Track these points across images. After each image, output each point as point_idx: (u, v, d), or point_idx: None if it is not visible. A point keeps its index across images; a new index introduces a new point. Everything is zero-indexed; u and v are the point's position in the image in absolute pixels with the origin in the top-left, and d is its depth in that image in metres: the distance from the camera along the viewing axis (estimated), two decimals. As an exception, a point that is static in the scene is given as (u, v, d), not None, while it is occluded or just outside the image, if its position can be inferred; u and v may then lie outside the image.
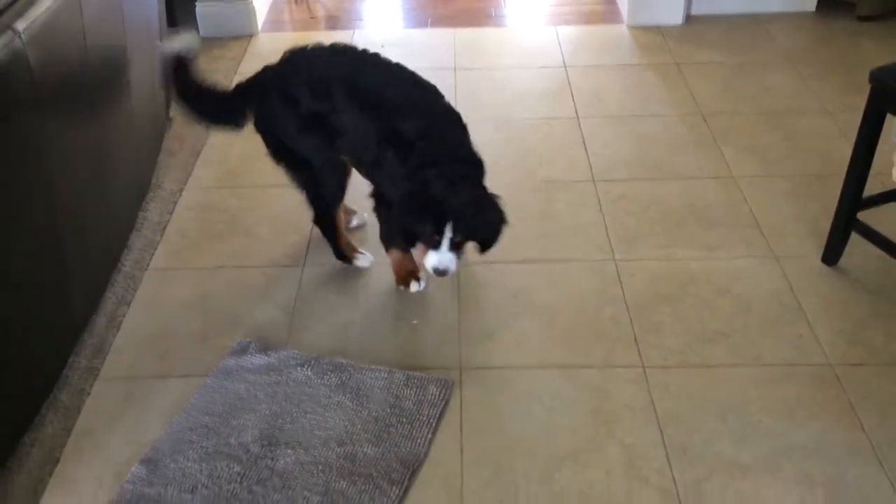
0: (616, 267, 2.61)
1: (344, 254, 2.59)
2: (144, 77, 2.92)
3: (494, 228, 2.24)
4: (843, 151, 2.50)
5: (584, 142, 3.24)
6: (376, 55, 2.39)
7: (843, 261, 2.57)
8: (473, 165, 2.28)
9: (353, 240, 2.69)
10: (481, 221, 2.21)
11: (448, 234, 2.15)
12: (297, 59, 2.38)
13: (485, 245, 2.29)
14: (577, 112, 3.44)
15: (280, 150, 2.42)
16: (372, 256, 2.62)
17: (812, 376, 2.21)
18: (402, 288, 2.51)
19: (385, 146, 2.27)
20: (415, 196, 2.18)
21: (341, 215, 2.57)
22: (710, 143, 3.21)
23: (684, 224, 2.79)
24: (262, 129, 2.42)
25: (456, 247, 2.19)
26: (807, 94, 3.51)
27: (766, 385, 2.19)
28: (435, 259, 2.18)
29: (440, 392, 2.17)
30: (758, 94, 3.53)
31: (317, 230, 2.59)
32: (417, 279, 2.48)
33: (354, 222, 2.78)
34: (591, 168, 3.09)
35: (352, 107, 2.30)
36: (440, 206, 2.14)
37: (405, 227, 2.25)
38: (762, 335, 2.35)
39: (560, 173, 3.07)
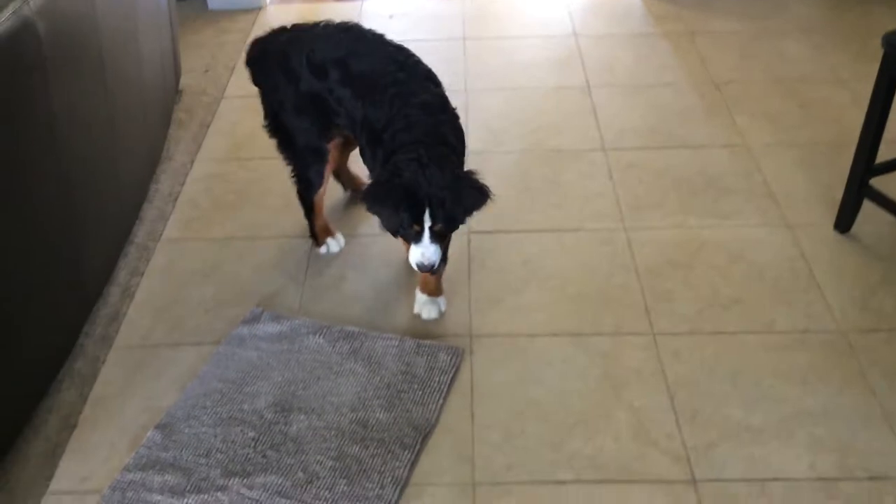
0: (627, 235, 2.61)
1: (315, 236, 2.57)
2: (154, 49, 2.92)
3: (476, 210, 2.08)
4: (857, 119, 2.48)
5: (594, 111, 3.23)
6: (379, 36, 2.32)
7: (855, 228, 2.56)
8: (447, 147, 2.11)
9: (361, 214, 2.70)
10: (461, 204, 2.03)
11: (427, 222, 2.00)
12: (302, 35, 2.35)
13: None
14: (587, 81, 3.42)
15: (274, 122, 2.41)
16: (342, 243, 2.57)
17: (823, 342, 2.21)
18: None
19: (362, 130, 2.24)
20: (384, 186, 2.03)
21: (322, 200, 2.52)
22: (722, 112, 3.19)
23: (696, 192, 2.78)
24: (262, 95, 2.42)
25: (438, 237, 2.04)
26: (820, 63, 3.47)
27: (777, 351, 2.20)
28: (418, 253, 2.03)
29: (451, 359, 2.19)
30: (771, 63, 3.50)
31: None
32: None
33: None
34: (601, 137, 3.08)
35: (343, 88, 2.26)
36: (413, 194, 1.98)
37: (379, 220, 2.09)
38: (774, 302, 2.34)
39: (570, 143, 3.06)
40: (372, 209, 2.09)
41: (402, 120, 2.12)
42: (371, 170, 2.27)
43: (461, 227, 2.15)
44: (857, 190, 2.47)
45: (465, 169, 2.15)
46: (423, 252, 2.03)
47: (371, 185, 2.11)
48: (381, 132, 2.15)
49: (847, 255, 2.49)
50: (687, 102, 3.26)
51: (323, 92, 2.30)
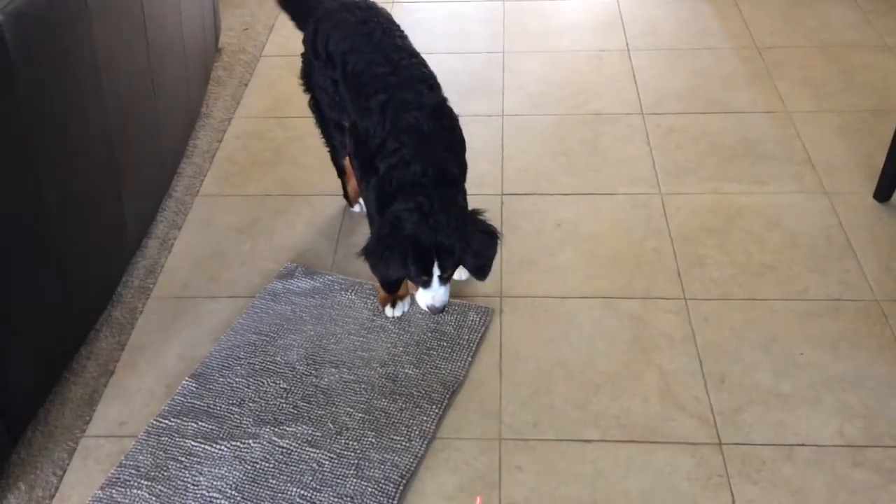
0: (662, 200, 2.59)
1: (347, 196, 2.58)
2: (195, 7, 2.94)
3: (486, 255, 2.01)
4: (902, 85, 2.43)
5: (634, 74, 3.19)
6: (388, 31, 2.21)
7: (895, 197, 2.51)
8: (448, 184, 2.01)
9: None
10: (469, 250, 1.97)
11: (437, 272, 1.95)
12: (333, 16, 2.28)
13: (478, 272, 2.04)
14: (627, 44, 3.38)
15: (307, 82, 2.39)
16: None
17: (857, 311, 2.19)
18: (380, 308, 2.25)
19: (350, 136, 2.19)
20: (386, 241, 1.95)
21: (349, 164, 2.47)
22: (764, 77, 3.14)
23: (734, 158, 2.75)
24: (303, 53, 2.41)
25: (447, 279, 1.99)
26: (866, 28, 3.39)
27: (810, 319, 2.18)
28: (428, 297, 1.98)
29: (480, 318, 2.20)
30: (816, 28, 3.42)
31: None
32: (401, 301, 2.22)
33: None
34: (640, 101, 3.05)
35: (344, 87, 2.20)
36: (420, 245, 1.92)
37: (387, 277, 2.02)
38: (809, 270, 2.32)
39: (609, 106, 3.04)
40: (376, 268, 2.00)
41: (395, 152, 2.00)
42: (360, 187, 2.19)
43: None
44: (899, 158, 2.43)
45: (472, 208, 2.05)
46: (433, 296, 1.98)
47: (373, 242, 2.00)
48: (372, 156, 2.05)
49: (885, 224, 2.45)
50: (728, 67, 3.21)
51: (336, 82, 2.25)
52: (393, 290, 2.12)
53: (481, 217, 2.02)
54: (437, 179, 1.99)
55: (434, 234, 1.92)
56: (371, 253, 2.00)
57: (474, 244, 1.98)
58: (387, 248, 1.96)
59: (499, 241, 2.03)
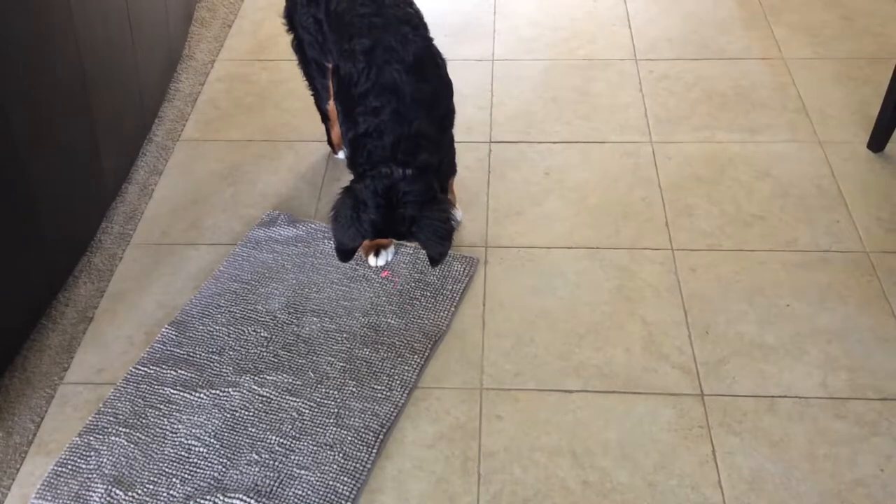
0: (652, 149, 2.55)
1: (331, 143, 2.54)
2: (175, -57, 2.85)
3: (438, 251, 2.01)
4: (901, 32, 2.37)
5: (628, 19, 3.12)
6: None
7: (889, 147, 2.47)
8: (419, 168, 1.97)
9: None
10: (422, 243, 2.01)
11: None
12: None
13: (431, 261, 2.05)
14: (622, -12, 3.30)
15: (290, 21, 2.32)
16: None
17: (846, 262, 2.17)
18: (363, 257, 2.24)
19: (333, 76, 2.12)
20: (350, 221, 1.98)
21: (333, 110, 2.39)
22: (761, 22, 3.07)
23: (727, 106, 2.70)
24: None
25: None
26: (869, -28, 3.31)
27: (797, 270, 2.15)
28: None
29: (464, 268, 2.18)
30: (816, -29, 3.34)
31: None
32: (385, 250, 2.23)
33: None
34: (633, 46, 2.98)
35: (328, 27, 2.14)
36: (377, 231, 1.99)
37: (343, 245, 2.03)
38: (798, 220, 2.29)
39: (601, 52, 2.97)
40: (335, 236, 2.03)
41: (374, 112, 1.96)
42: (341, 131, 2.12)
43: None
44: (894, 108, 2.38)
45: (438, 197, 2.01)
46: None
47: (336, 213, 2.00)
48: (354, 103, 2.00)
49: (877, 175, 2.41)
50: (724, 11, 3.14)
51: (319, 21, 2.19)
52: (346, 260, 2.09)
53: (442, 215, 1.99)
54: (408, 156, 1.96)
55: (393, 225, 1.98)
56: (333, 220, 2.01)
57: (427, 240, 1.99)
58: (347, 225, 1.99)
59: (451, 243, 2.01)
